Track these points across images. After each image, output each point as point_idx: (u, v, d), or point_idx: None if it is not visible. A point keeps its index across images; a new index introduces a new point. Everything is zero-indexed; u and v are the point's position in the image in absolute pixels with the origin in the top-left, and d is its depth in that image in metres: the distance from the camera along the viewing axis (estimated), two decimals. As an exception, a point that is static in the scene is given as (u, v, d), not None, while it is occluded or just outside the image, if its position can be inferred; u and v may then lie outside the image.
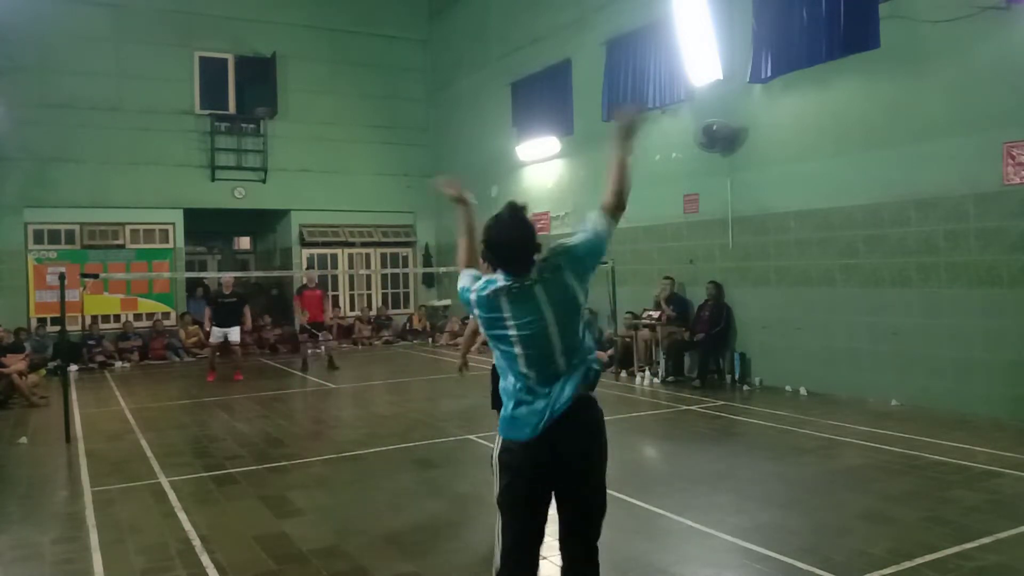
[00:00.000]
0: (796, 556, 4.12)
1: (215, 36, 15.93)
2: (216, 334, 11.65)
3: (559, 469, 2.71)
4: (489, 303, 2.75)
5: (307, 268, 15.10)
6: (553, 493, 2.76)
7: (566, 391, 2.68)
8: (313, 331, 12.62)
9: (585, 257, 2.77)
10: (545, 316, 2.68)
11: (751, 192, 9.91)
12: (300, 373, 12.27)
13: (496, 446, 2.82)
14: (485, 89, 15.84)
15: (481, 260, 2.89)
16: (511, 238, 2.71)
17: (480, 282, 2.81)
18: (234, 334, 11.70)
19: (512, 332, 2.71)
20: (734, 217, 10.16)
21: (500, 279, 2.75)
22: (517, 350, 2.71)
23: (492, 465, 2.83)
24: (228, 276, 12.47)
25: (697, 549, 4.39)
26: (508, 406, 2.78)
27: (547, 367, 2.71)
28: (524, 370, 2.72)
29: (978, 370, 7.57)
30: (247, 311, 12.05)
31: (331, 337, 13.23)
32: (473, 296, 2.81)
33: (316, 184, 16.77)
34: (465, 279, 2.92)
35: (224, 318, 11.62)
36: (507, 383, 2.80)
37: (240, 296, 12.13)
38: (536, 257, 2.73)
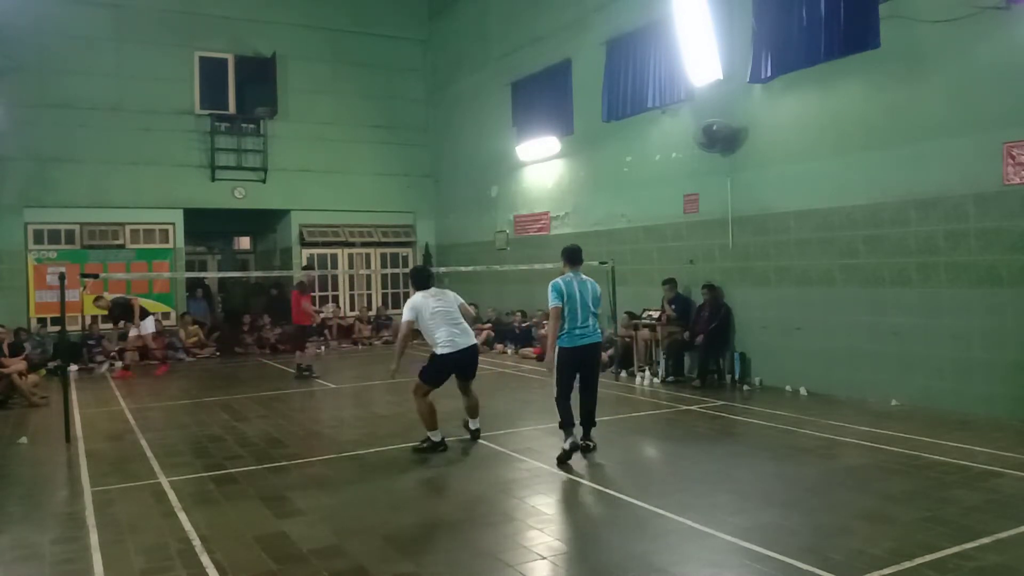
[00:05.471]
0: (796, 556, 4.12)
1: (215, 36, 15.93)
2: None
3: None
4: (568, 285, 6.34)
5: (305, 267, 14.68)
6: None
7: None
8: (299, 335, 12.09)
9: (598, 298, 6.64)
10: (587, 294, 6.43)
11: (751, 192, 9.91)
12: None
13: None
14: (485, 89, 15.84)
15: (563, 264, 6.57)
16: (574, 247, 6.66)
17: (561, 281, 6.36)
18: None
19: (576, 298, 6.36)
20: (734, 217, 10.16)
21: (570, 274, 6.44)
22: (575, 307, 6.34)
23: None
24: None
25: (697, 549, 4.39)
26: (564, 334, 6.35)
27: (585, 318, 6.37)
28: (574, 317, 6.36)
29: (978, 370, 7.58)
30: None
31: (318, 343, 13.16)
32: (562, 286, 6.29)
33: (316, 184, 16.78)
34: (554, 291, 6.38)
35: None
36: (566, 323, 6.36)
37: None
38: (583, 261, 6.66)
